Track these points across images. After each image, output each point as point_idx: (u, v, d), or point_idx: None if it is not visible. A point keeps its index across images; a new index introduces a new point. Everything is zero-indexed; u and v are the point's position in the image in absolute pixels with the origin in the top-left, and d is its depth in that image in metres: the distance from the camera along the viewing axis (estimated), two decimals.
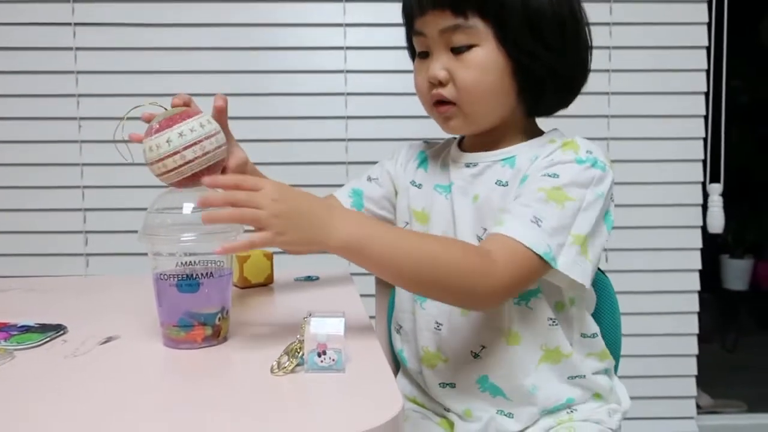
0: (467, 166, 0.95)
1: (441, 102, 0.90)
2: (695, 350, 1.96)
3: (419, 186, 1.01)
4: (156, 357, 0.74)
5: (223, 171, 0.85)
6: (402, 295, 1.02)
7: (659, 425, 1.95)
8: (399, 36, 1.78)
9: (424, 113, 1.78)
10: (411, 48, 0.96)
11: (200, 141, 0.74)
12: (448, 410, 0.98)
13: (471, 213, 0.92)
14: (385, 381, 0.64)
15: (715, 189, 1.90)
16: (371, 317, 0.91)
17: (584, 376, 0.94)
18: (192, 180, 0.75)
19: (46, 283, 1.17)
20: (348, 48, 1.83)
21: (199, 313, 0.75)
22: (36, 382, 0.66)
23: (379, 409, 0.57)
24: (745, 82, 3.19)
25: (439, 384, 0.96)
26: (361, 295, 1.01)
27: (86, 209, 1.84)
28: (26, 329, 0.81)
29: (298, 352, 0.68)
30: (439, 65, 0.88)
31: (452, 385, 0.95)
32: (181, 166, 0.74)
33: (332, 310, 0.70)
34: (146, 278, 0.79)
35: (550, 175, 0.84)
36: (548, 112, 0.94)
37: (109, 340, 0.78)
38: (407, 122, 1.85)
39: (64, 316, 0.87)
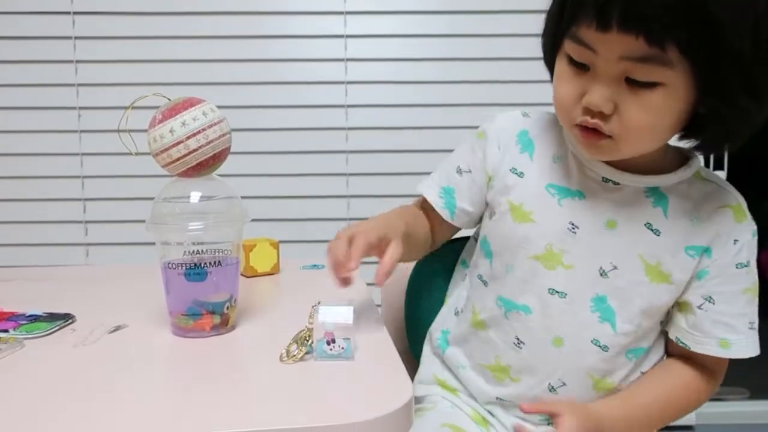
0: (604, 180, 0.81)
1: (591, 129, 0.74)
2: None
3: (521, 175, 0.85)
4: (165, 346, 0.74)
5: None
6: (479, 291, 0.90)
7: None
8: (400, 24, 1.82)
9: (425, 102, 1.84)
10: (551, 45, 0.77)
11: (203, 130, 0.73)
12: (491, 414, 0.91)
13: (600, 239, 0.80)
14: (395, 369, 0.65)
15: None
16: (377, 306, 0.92)
17: None
18: (197, 169, 0.75)
19: (50, 273, 1.17)
20: (348, 36, 1.82)
21: (208, 301, 0.75)
22: (46, 370, 0.66)
23: (388, 397, 0.57)
24: None
25: (497, 397, 0.88)
26: (368, 284, 1.01)
27: (86, 199, 1.84)
28: (35, 318, 0.82)
29: (307, 341, 0.68)
30: (608, 95, 0.70)
31: (512, 404, 0.88)
32: (185, 155, 0.73)
33: (341, 299, 0.70)
34: (152, 267, 0.79)
35: (742, 265, 0.81)
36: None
37: (117, 329, 0.79)
38: (408, 111, 1.84)
39: (72, 305, 0.87)
